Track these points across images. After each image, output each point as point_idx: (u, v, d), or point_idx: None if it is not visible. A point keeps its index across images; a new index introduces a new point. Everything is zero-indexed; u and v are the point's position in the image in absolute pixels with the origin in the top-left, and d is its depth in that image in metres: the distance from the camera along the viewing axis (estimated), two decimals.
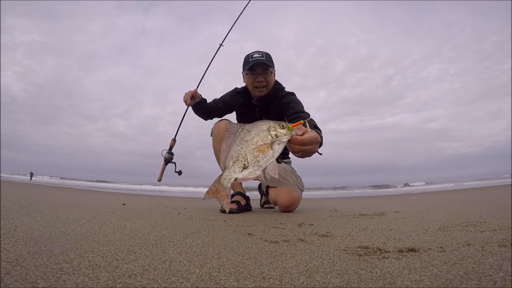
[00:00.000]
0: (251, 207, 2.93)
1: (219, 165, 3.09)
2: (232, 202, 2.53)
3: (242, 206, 2.64)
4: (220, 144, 3.04)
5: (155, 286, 0.74)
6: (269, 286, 0.77)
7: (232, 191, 2.74)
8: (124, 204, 3.54)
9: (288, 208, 2.68)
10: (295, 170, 2.96)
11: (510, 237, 1.26)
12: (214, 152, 2.81)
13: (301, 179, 2.90)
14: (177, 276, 0.82)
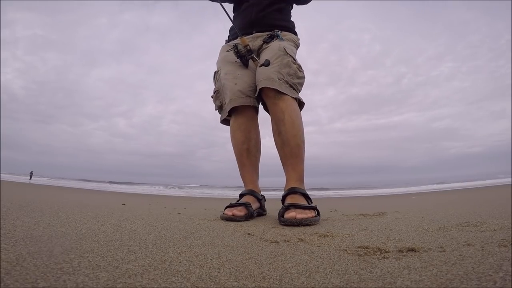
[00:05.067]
0: (265, 210, 2.26)
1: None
2: (239, 204, 1.95)
3: (253, 212, 1.96)
4: (240, 158, 2.15)
5: (155, 286, 0.74)
6: (269, 286, 0.77)
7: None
8: (124, 204, 3.54)
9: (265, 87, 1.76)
10: (292, 49, 1.96)
11: (510, 237, 1.26)
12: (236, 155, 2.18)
13: (297, 66, 1.87)
14: (177, 276, 0.82)
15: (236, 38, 2.10)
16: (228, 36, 2.38)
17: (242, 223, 2.00)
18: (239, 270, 0.92)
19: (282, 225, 1.84)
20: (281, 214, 1.77)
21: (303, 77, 1.84)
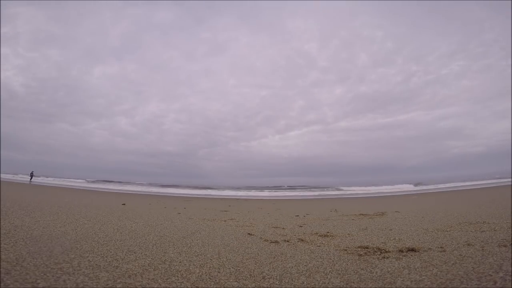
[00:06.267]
0: None
1: None
2: None
3: None
4: None
5: (155, 286, 0.74)
6: (269, 286, 0.77)
7: None
8: (124, 204, 3.54)
9: None
10: None
11: (510, 237, 1.26)
12: None
13: None
14: (177, 276, 0.83)
15: None
16: None
17: (242, 224, 2.00)
18: (239, 270, 0.92)
19: None
20: None
21: None
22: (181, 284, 0.77)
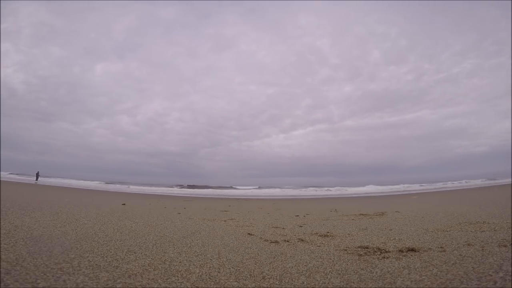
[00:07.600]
0: None
1: None
2: None
3: None
4: None
5: (155, 286, 0.74)
6: (269, 286, 0.77)
7: None
8: (124, 204, 3.55)
9: None
10: None
11: (510, 237, 1.26)
12: None
13: None
14: (177, 276, 0.83)
15: None
16: None
17: (242, 224, 2.01)
18: (239, 270, 0.93)
19: None
20: None
21: None
22: (181, 284, 0.77)
